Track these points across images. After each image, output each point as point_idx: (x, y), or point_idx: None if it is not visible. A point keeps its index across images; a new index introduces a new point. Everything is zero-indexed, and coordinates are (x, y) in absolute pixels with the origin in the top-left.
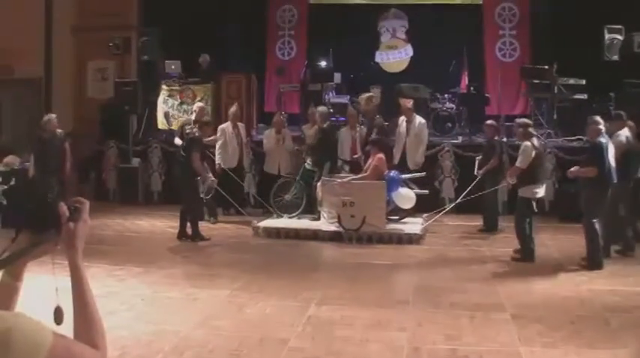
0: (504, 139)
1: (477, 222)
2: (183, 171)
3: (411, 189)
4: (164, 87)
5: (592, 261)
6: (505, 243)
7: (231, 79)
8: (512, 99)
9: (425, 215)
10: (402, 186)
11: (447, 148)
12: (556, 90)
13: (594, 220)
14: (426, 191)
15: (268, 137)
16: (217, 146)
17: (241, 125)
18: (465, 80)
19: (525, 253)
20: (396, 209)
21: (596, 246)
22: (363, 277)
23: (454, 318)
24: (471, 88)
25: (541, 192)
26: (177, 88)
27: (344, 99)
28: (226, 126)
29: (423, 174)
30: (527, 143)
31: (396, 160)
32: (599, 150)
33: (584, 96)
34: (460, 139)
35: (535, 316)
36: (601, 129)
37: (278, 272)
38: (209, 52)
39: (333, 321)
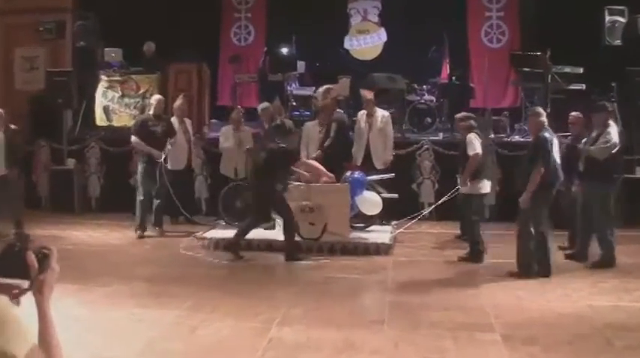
0: (491, 136)
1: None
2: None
3: (378, 192)
4: (103, 78)
5: (542, 268)
6: (490, 253)
7: (179, 68)
8: (501, 91)
9: (394, 222)
10: (366, 189)
11: (425, 146)
12: (550, 80)
13: (542, 228)
14: (396, 195)
15: (225, 135)
16: None
17: (188, 121)
18: (447, 69)
19: (473, 254)
20: (360, 215)
21: (540, 253)
22: (329, 293)
23: (435, 339)
24: (453, 78)
25: (485, 188)
26: (118, 78)
27: (308, 91)
28: (172, 121)
29: (392, 175)
30: (472, 134)
31: (359, 160)
32: (544, 146)
33: (582, 87)
34: (441, 136)
35: (528, 336)
36: (543, 122)
37: (233, 289)
38: (154, 39)
39: (298, 344)
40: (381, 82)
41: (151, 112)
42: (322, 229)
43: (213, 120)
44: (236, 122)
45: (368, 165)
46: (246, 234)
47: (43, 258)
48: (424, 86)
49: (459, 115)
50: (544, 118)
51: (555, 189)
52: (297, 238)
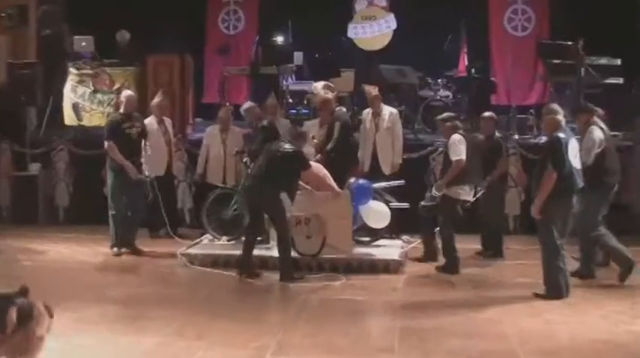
0: (515, 136)
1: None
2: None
3: (387, 202)
4: (72, 71)
5: (550, 287)
6: (515, 270)
7: (159, 60)
8: (526, 85)
9: (405, 236)
10: (373, 198)
11: (441, 149)
12: (583, 73)
13: (556, 239)
14: (406, 204)
15: (211, 137)
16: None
17: (168, 120)
18: (464, 61)
19: (448, 264)
20: (366, 228)
21: (554, 269)
22: (331, 317)
23: None
24: (472, 71)
25: (466, 194)
26: (89, 72)
27: (307, 86)
28: (149, 121)
29: (401, 182)
30: (455, 136)
31: (366, 165)
32: (558, 148)
33: (620, 81)
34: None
35: None
36: (559, 121)
37: (221, 312)
38: (130, 26)
39: None
40: (389, 75)
41: (122, 111)
42: (321, 244)
43: (198, 120)
44: (224, 122)
45: (375, 171)
46: (252, 249)
47: (26, 319)
48: (439, 80)
49: (442, 116)
50: (560, 117)
51: (572, 198)
52: (293, 254)
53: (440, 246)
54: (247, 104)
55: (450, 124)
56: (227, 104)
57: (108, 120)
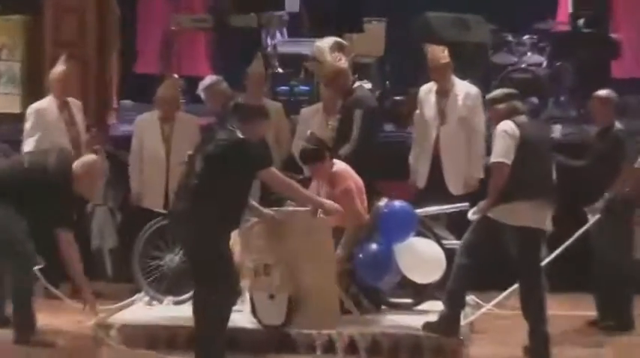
0: None
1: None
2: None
3: (440, 239)
4: None
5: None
6: None
7: (62, 6)
8: None
9: (472, 297)
10: (416, 232)
11: None
12: None
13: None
14: None
15: (147, 130)
16: (26, 147)
17: (76, 104)
18: (567, 5)
19: (445, 319)
20: (405, 283)
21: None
22: None
23: None
24: (580, 22)
25: (524, 216)
26: None
27: (305, 47)
28: (46, 105)
29: (466, 205)
30: (504, 124)
31: (421, 179)
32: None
33: None
34: (559, 131)
35: None
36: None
37: None
38: None
39: None
40: (443, 29)
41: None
42: (286, 307)
43: (126, 102)
44: (167, 105)
45: (436, 189)
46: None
47: None
48: (525, 37)
49: (493, 94)
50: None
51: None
52: (254, 326)
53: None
54: (209, 79)
55: (505, 107)
56: (174, 76)
57: None
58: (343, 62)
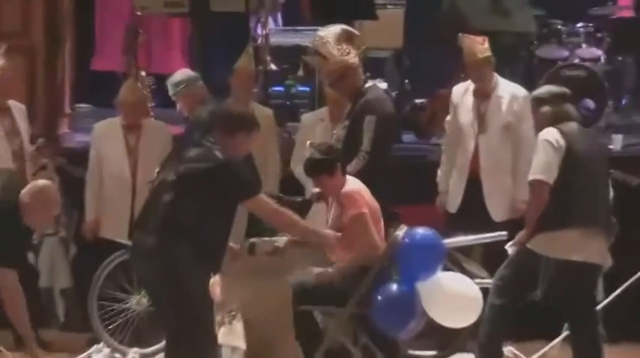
0: None
1: None
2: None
3: (472, 275)
4: None
5: None
6: None
7: None
8: None
9: (509, 347)
10: (444, 267)
11: None
12: None
13: None
14: None
15: (107, 141)
16: None
17: (18, 108)
18: None
19: None
20: (431, 329)
21: None
22: None
23: None
24: None
25: (571, 247)
26: None
27: (303, 38)
28: None
29: (504, 234)
30: (547, 133)
31: (454, 202)
32: None
33: None
34: (620, 142)
35: None
36: None
37: None
38: None
39: None
40: (475, 15)
41: None
42: None
43: (83, 106)
44: (132, 110)
45: (472, 215)
46: None
47: None
48: (579, 26)
49: (537, 92)
50: None
51: None
52: None
53: None
54: (181, 74)
55: (551, 110)
56: (141, 74)
57: None
58: (352, 56)
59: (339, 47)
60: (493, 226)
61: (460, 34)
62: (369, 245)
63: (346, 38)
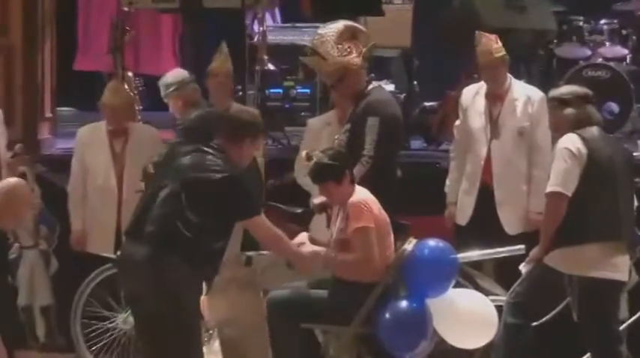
0: None
1: None
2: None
3: (485, 292)
4: None
5: None
6: None
7: None
8: None
9: None
10: (456, 283)
11: None
12: None
13: None
14: None
15: (91, 148)
16: None
17: None
18: None
19: None
20: (443, 348)
21: None
22: None
23: None
24: None
25: (592, 263)
26: None
27: (303, 35)
28: None
29: (521, 248)
30: (571, 139)
31: (464, 214)
32: None
33: None
34: None
35: None
36: None
37: None
38: None
39: None
40: (490, 11)
41: None
42: None
43: (64, 110)
44: (118, 114)
45: (484, 227)
46: None
47: None
48: (602, 22)
49: (555, 91)
50: None
51: None
52: None
53: None
54: (174, 74)
55: (572, 113)
56: (128, 75)
57: None
58: (354, 56)
59: (340, 46)
60: (507, 240)
61: (477, 32)
62: (365, 258)
63: (350, 36)
